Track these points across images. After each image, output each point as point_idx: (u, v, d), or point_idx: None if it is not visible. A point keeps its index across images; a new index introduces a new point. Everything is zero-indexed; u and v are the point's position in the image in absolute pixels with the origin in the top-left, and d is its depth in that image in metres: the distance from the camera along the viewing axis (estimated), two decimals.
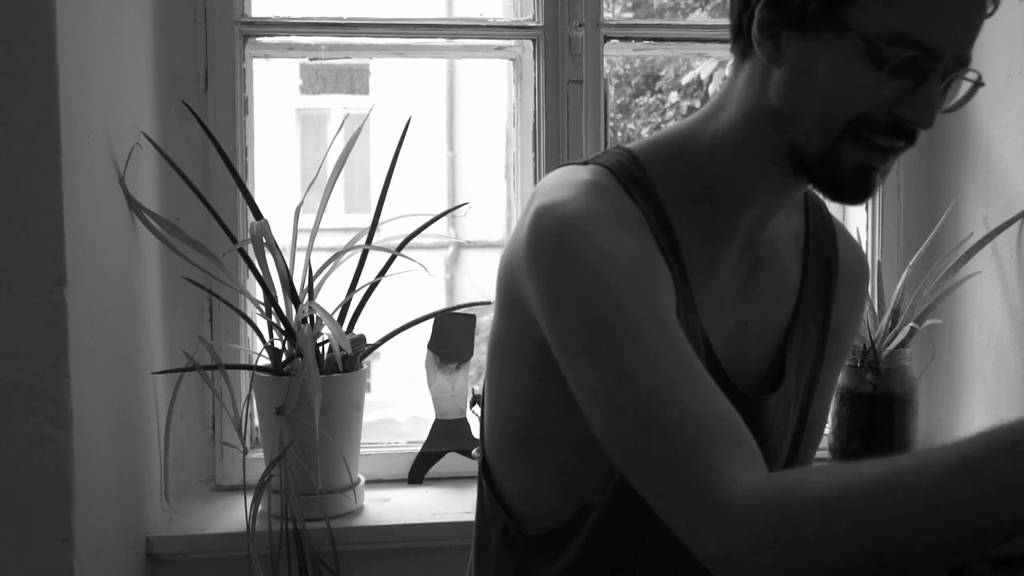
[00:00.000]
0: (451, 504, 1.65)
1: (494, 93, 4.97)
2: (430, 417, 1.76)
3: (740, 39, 0.98)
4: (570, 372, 0.93)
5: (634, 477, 0.89)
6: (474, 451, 1.71)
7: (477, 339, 1.75)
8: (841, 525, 0.78)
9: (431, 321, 1.70)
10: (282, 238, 1.53)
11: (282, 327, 1.55)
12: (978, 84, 0.95)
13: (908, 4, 0.88)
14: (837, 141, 0.93)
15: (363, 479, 1.64)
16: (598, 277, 0.91)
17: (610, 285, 0.91)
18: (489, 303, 1.08)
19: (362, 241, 1.62)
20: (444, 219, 1.67)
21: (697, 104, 5.13)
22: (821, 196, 1.04)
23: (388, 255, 1.60)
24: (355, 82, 5.24)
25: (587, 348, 0.91)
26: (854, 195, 0.96)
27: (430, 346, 1.73)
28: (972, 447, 0.76)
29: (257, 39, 1.72)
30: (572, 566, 1.05)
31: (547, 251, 0.93)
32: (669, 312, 0.92)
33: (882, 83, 0.90)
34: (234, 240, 1.58)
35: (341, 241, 1.64)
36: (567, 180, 0.99)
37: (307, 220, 1.61)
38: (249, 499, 1.46)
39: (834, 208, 1.16)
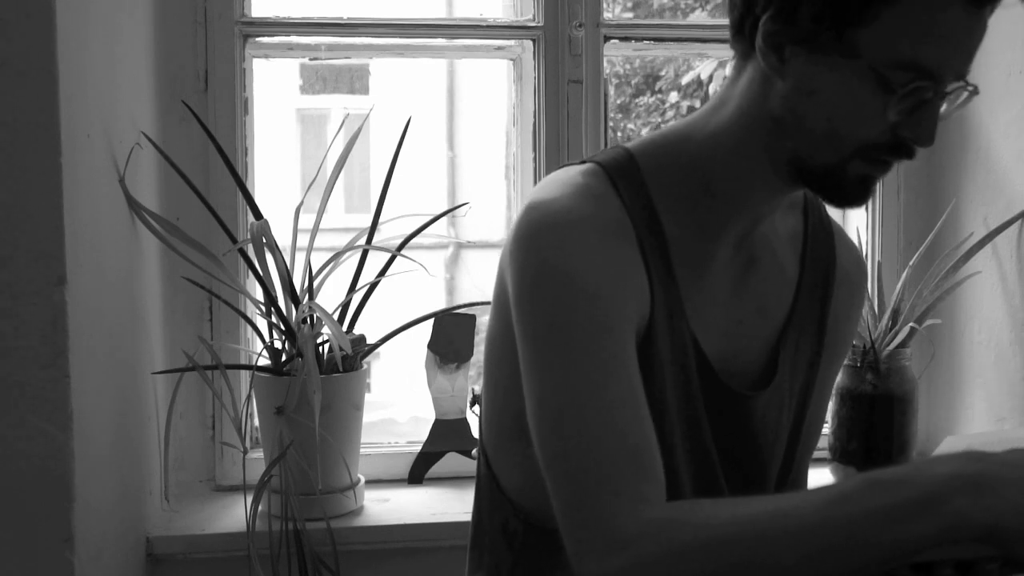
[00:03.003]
0: (451, 504, 1.65)
1: (494, 93, 4.96)
2: (430, 417, 1.76)
3: (740, 39, 0.98)
4: (522, 366, 0.94)
5: (548, 481, 0.91)
6: (474, 451, 1.70)
7: (477, 339, 1.74)
8: (724, 557, 0.81)
9: (431, 321, 1.70)
10: (282, 238, 1.53)
11: (282, 327, 1.55)
12: (973, 93, 0.95)
13: (918, 32, 0.88)
14: (846, 160, 0.94)
15: (363, 479, 1.64)
16: (567, 280, 0.92)
17: (577, 291, 0.92)
18: (489, 303, 1.08)
19: (362, 241, 1.62)
20: (444, 219, 1.67)
21: (697, 104, 5.12)
22: (819, 199, 1.05)
23: (388, 255, 1.60)
24: (355, 82, 5.23)
25: (540, 346, 0.92)
26: (853, 201, 0.98)
27: (430, 346, 1.73)
28: (850, 483, 0.82)
29: (257, 39, 1.72)
30: None
31: (525, 247, 0.95)
32: (630, 331, 0.94)
33: (888, 107, 0.90)
34: (234, 240, 1.58)
35: (341, 241, 1.64)
36: (559, 179, 1.00)
37: (307, 220, 1.61)
38: (249, 499, 1.46)
39: (834, 208, 1.16)
